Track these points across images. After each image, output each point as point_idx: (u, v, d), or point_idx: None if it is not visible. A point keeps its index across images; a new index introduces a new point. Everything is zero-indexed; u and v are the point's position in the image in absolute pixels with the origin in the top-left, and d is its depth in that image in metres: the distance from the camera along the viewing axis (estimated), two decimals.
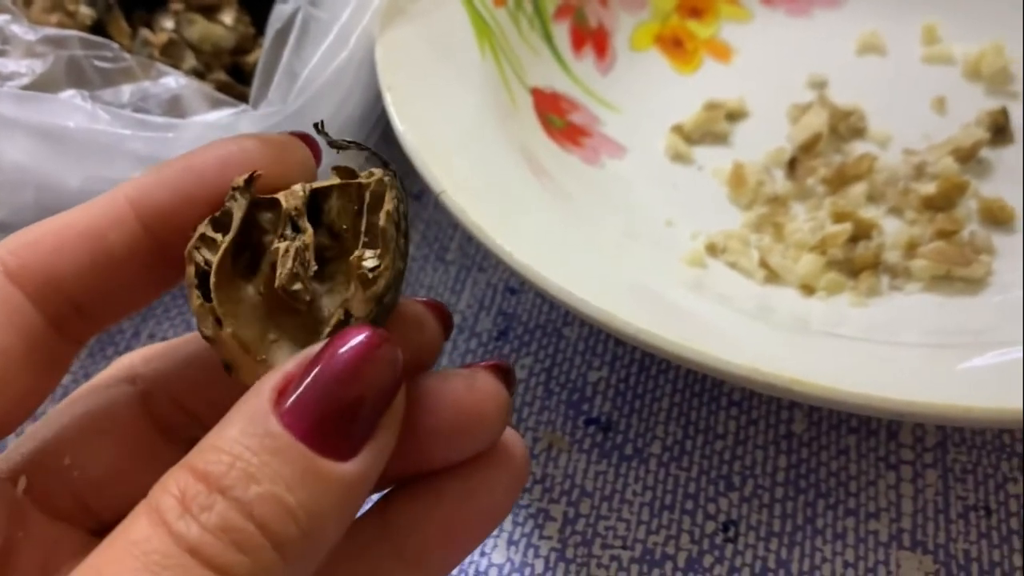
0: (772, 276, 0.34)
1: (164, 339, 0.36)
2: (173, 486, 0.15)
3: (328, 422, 0.16)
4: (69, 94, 0.32)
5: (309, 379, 0.16)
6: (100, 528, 0.20)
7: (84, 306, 0.18)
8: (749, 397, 0.33)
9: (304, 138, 0.20)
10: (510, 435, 0.19)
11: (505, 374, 0.20)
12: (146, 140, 0.29)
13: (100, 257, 0.18)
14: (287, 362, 0.16)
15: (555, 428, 0.33)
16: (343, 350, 0.16)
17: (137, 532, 0.15)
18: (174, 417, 0.20)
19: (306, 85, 0.30)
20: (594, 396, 0.33)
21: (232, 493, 0.15)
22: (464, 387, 0.19)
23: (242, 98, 0.36)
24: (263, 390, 0.16)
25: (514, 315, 0.36)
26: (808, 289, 0.33)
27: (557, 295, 0.26)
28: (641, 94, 0.41)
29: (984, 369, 0.26)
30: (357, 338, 0.16)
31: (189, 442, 0.21)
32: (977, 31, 0.41)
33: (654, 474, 0.31)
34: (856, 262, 0.34)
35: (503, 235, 0.27)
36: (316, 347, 0.16)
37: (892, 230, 0.35)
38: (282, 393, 0.16)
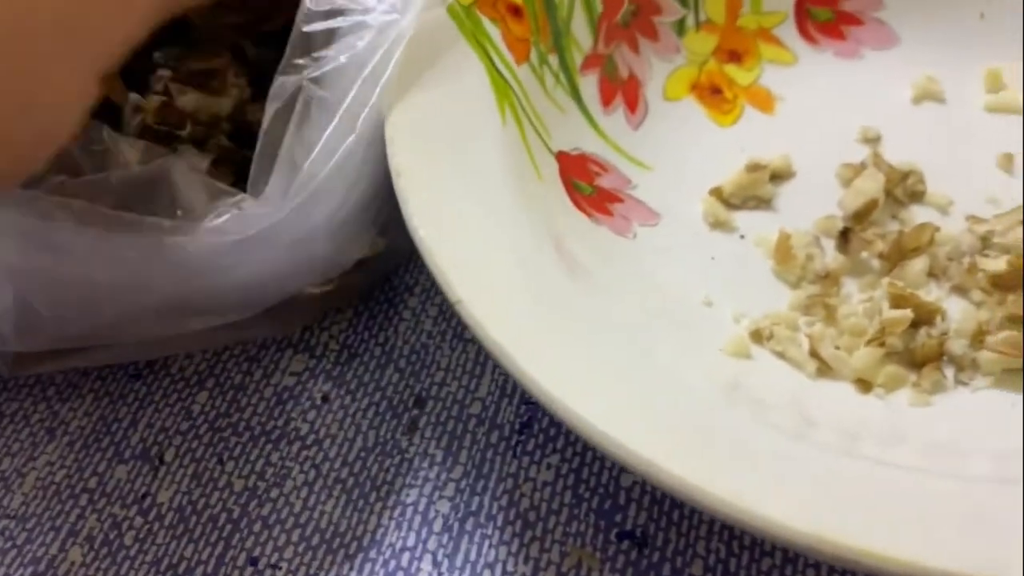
0: (824, 369, 0.31)
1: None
2: None
3: None
4: (57, 181, 0.29)
5: None
6: None
7: None
8: None
9: None
10: None
11: None
12: (134, 244, 0.26)
13: None
14: None
15: (584, 542, 0.30)
16: None
17: None
18: None
19: (307, 180, 0.27)
20: (628, 504, 0.30)
21: None
22: None
23: (244, 164, 0.33)
24: None
25: (539, 404, 0.33)
26: (865, 385, 0.30)
27: (592, 437, 0.23)
28: (675, 149, 0.38)
29: None
30: None
31: None
32: None
33: None
34: (917, 354, 0.31)
35: (526, 356, 0.24)
36: None
37: (957, 313, 0.32)
38: None
